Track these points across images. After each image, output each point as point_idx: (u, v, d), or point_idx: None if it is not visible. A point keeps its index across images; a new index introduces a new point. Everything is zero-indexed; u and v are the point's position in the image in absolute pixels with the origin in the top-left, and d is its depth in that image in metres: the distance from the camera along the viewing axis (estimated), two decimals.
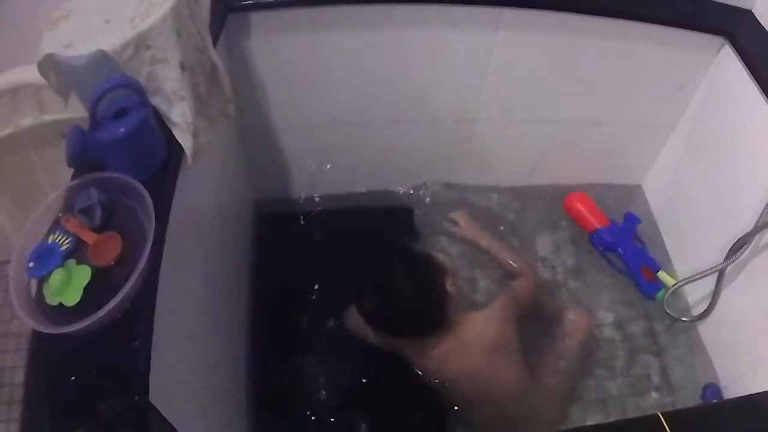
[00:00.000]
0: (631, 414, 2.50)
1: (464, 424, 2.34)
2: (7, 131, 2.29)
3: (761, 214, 2.20)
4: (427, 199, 3.03)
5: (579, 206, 2.98)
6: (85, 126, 1.41)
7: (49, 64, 1.41)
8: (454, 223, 2.85)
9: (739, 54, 2.32)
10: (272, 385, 2.44)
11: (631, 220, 2.97)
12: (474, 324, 2.20)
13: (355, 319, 2.36)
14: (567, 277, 2.86)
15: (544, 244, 2.97)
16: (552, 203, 3.08)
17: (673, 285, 2.61)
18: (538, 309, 2.57)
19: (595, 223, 2.93)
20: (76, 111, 1.52)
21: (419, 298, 2.09)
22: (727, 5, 2.36)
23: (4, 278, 2.94)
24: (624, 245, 2.86)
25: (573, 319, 2.50)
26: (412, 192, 3.04)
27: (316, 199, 2.98)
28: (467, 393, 2.21)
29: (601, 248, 2.91)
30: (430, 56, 2.41)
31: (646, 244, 2.93)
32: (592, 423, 2.46)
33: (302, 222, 2.93)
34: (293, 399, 2.40)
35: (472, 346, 2.17)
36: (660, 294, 2.72)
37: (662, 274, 2.75)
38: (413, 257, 2.23)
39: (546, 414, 2.35)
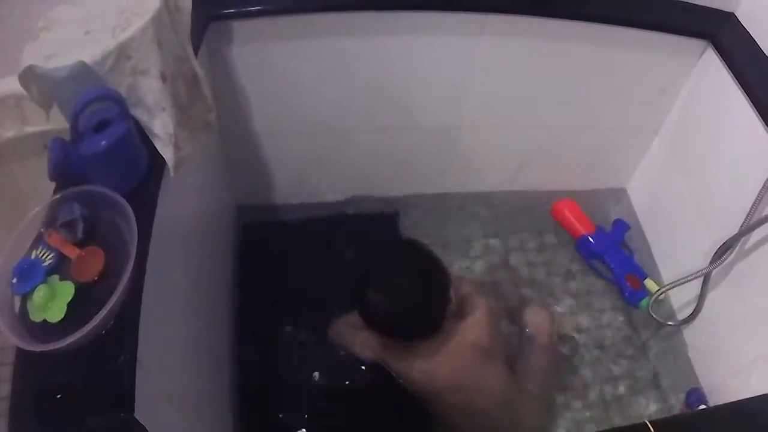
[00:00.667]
0: (616, 418, 2.52)
1: None
2: None
3: (746, 217, 2.20)
4: (411, 206, 3.03)
5: (566, 212, 2.99)
6: (67, 138, 1.39)
7: (30, 76, 1.39)
8: None
9: (722, 57, 2.33)
10: (256, 394, 2.43)
11: (620, 226, 2.98)
12: (463, 332, 2.17)
13: (338, 329, 2.37)
14: (550, 282, 2.88)
15: (528, 250, 2.97)
16: (536, 209, 3.09)
17: (657, 290, 2.61)
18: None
19: (581, 229, 2.93)
20: (58, 123, 1.50)
21: (428, 294, 2.08)
22: (710, 8, 2.37)
23: None
24: (610, 253, 2.87)
25: (532, 319, 2.48)
26: (396, 198, 3.03)
27: (299, 207, 2.97)
28: (454, 404, 2.19)
29: (585, 255, 2.92)
30: (413, 63, 2.41)
31: (634, 252, 2.93)
32: (575, 428, 2.47)
33: (285, 229, 2.92)
34: (277, 408, 2.39)
35: (462, 354, 2.15)
36: (644, 302, 2.72)
37: (649, 282, 2.76)
38: (427, 254, 2.18)
39: (532, 420, 2.35)
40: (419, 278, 2.07)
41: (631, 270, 2.83)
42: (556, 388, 2.53)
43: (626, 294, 2.78)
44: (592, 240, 2.90)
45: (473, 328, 2.19)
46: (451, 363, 2.13)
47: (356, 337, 2.30)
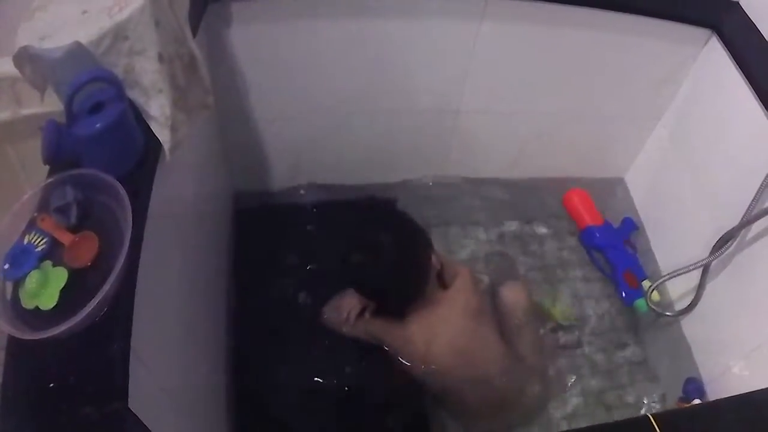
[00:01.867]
0: (614, 409, 2.52)
1: (452, 413, 2.35)
2: None
3: (748, 208, 2.19)
4: (410, 191, 3.01)
5: (576, 202, 2.98)
6: (62, 120, 1.37)
7: (24, 57, 1.36)
8: None
9: (726, 47, 2.32)
10: (253, 384, 2.40)
11: (628, 224, 2.96)
12: (452, 298, 2.24)
13: (333, 312, 2.39)
14: (549, 269, 2.87)
15: (527, 237, 2.96)
16: (535, 195, 3.08)
17: (655, 283, 2.58)
18: None
19: (588, 220, 2.92)
20: (53, 105, 1.48)
21: (412, 250, 2.15)
22: None
23: None
24: (613, 248, 2.85)
25: (507, 295, 2.51)
26: (394, 184, 3.01)
27: (297, 191, 2.95)
28: (456, 373, 2.20)
29: (588, 246, 2.90)
30: (413, 46, 2.38)
31: (638, 252, 2.91)
32: (573, 417, 2.47)
33: (283, 214, 2.90)
34: (274, 399, 2.37)
35: (456, 318, 2.20)
36: (639, 303, 2.70)
37: (647, 284, 2.74)
38: (409, 221, 2.25)
39: (530, 391, 2.37)
40: (400, 236, 2.15)
41: (631, 267, 2.82)
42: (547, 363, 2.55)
43: (622, 292, 2.76)
44: (597, 232, 2.89)
45: (460, 293, 2.26)
46: (449, 329, 2.18)
47: (350, 317, 2.33)
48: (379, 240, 2.11)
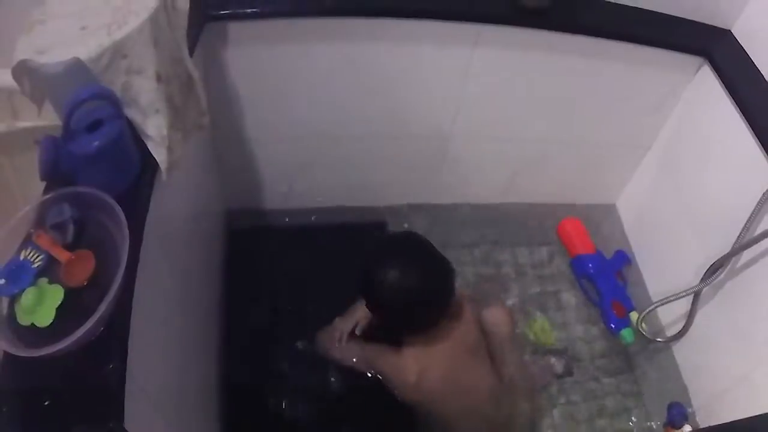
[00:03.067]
0: None
1: None
2: None
3: (739, 236, 2.20)
4: (401, 215, 3.02)
5: (569, 230, 2.99)
6: (59, 135, 1.36)
7: (23, 70, 1.36)
8: None
9: (717, 74, 2.34)
10: (245, 403, 2.40)
11: (620, 257, 2.97)
12: (452, 328, 2.19)
13: (325, 338, 2.38)
14: (539, 293, 2.89)
15: (518, 262, 2.98)
16: (527, 221, 3.10)
17: (644, 311, 2.59)
18: None
19: (580, 249, 2.92)
20: (50, 118, 1.48)
21: (442, 277, 2.09)
22: (706, 25, 2.37)
23: None
24: (603, 278, 2.85)
25: (490, 317, 2.46)
26: (385, 207, 3.03)
27: (289, 212, 2.96)
28: (445, 405, 2.18)
29: (578, 274, 2.91)
30: (406, 71, 2.40)
31: (628, 285, 2.91)
32: None
33: (274, 234, 2.91)
34: (266, 418, 2.38)
35: (453, 351, 2.17)
36: (625, 332, 2.70)
37: (634, 315, 2.73)
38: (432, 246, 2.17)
39: (520, 412, 2.38)
40: (432, 261, 2.09)
41: (619, 298, 2.82)
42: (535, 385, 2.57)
43: (609, 321, 2.76)
44: (589, 261, 2.90)
45: (461, 324, 2.22)
46: (443, 362, 2.15)
47: (344, 346, 2.33)
48: (414, 262, 2.06)
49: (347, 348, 2.32)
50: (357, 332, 2.37)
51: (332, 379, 2.43)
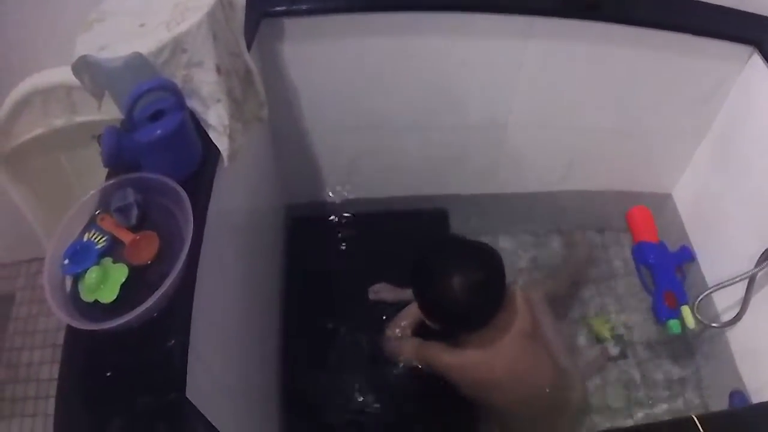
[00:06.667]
0: (658, 418, 2.52)
1: (500, 425, 2.38)
2: (37, 132, 2.30)
3: None
4: (458, 203, 3.04)
5: (636, 217, 2.96)
6: (119, 127, 1.42)
7: (83, 66, 1.43)
8: None
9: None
10: (303, 387, 2.45)
11: (684, 252, 2.89)
12: (510, 321, 2.18)
13: (386, 342, 2.41)
14: (598, 279, 2.94)
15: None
16: (584, 209, 3.11)
17: (695, 301, 2.57)
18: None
19: (643, 235, 2.91)
20: (108, 113, 1.54)
21: (498, 278, 2.08)
22: (755, 14, 2.35)
23: (32, 276, 2.97)
24: (662, 269, 2.81)
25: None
26: (443, 196, 3.04)
27: (348, 203, 2.98)
28: (512, 395, 2.19)
29: (638, 260, 2.90)
30: (462, 63, 2.41)
31: (686, 280, 2.86)
32: (618, 425, 2.50)
33: (333, 226, 2.94)
34: (323, 401, 2.41)
35: (513, 341, 2.15)
36: (671, 323, 2.65)
37: (685, 309, 2.70)
38: (488, 248, 2.17)
39: (575, 396, 2.38)
40: (490, 262, 2.09)
41: (673, 289, 2.76)
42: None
43: (658, 307, 2.71)
44: (650, 249, 2.86)
45: (516, 314, 2.20)
46: (505, 352, 2.14)
47: (403, 347, 2.35)
48: (474, 265, 2.05)
49: (404, 347, 2.34)
50: (409, 332, 2.40)
51: (394, 372, 2.42)
